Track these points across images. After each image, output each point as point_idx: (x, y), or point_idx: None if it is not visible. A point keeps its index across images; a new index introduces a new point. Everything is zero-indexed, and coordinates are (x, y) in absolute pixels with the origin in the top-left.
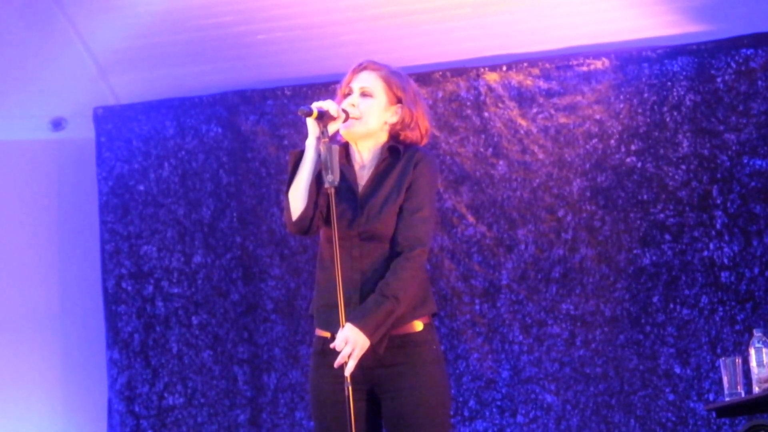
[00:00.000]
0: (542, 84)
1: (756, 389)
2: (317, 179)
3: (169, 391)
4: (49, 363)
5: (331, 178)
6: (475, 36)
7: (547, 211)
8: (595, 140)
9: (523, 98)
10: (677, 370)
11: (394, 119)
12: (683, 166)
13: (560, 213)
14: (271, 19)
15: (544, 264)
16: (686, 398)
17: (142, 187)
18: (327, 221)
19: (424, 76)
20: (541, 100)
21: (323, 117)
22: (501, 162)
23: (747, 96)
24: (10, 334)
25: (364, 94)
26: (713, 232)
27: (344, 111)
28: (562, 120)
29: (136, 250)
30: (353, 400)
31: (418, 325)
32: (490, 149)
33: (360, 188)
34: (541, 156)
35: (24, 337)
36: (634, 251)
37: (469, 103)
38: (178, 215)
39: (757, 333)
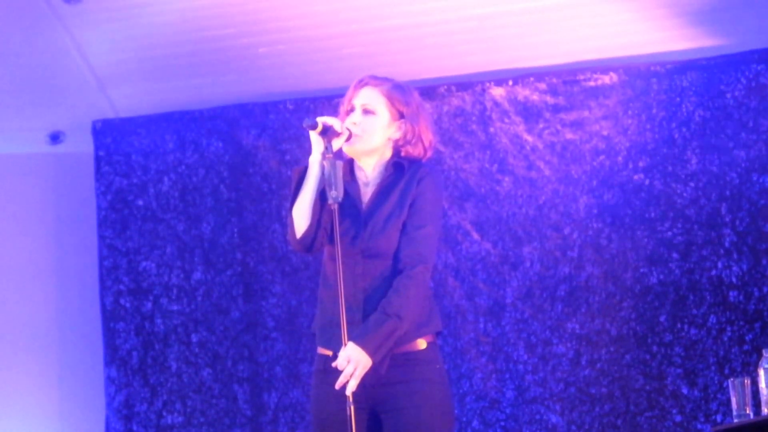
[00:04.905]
0: (549, 99)
1: (765, 411)
2: (321, 196)
3: (168, 409)
4: (46, 380)
5: (335, 194)
6: (481, 50)
7: (553, 229)
8: (602, 157)
9: (529, 113)
10: (684, 390)
11: (397, 135)
12: (691, 183)
13: (566, 230)
14: (273, 32)
15: (550, 282)
16: (694, 419)
17: (141, 202)
18: (331, 239)
19: (428, 90)
20: (547, 115)
21: (327, 132)
22: (506, 178)
23: (757, 112)
24: (6, 351)
25: (366, 111)
26: (722, 251)
27: (347, 129)
28: (569, 136)
29: (135, 266)
30: (355, 419)
31: (422, 344)
32: (496, 165)
33: (364, 205)
34: (547, 172)
35: (20, 354)
36: (641, 270)
37: (474, 118)
38: (177, 231)
39: (766, 353)
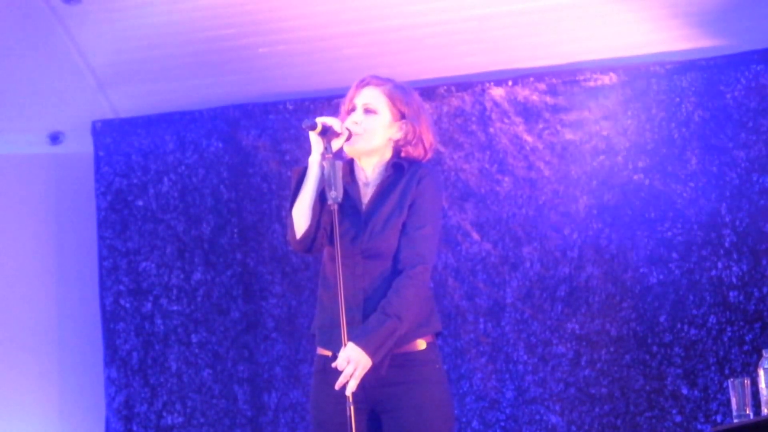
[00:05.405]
0: (549, 99)
1: (765, 411)
2: (320, 196)
3: (168, 410)
4: (46, 381)
5: (335, 195)
6: (481, 50)
7: (553, 229)
8: (602, 157)
9: (529, 114)
10: (684, 391)
11: (398, 135)
12: (691, 184)
13: (566, 231)
14: (273, 33)
15: (550, 282)
16: (693, 420)
17: (140, 203)
18: (331, 239)
19: (428, 91)
20: (547, 115)
21: (327, 132)
22: (506, 178)
23: (756, 112)
24: (6, 351)
25: (367, 111)
26: (721, 251)
27: (347, 129)
28: (569, 136)
29: (135, 266)
30: (355, 419)
31: (421, 344)
32: (496, 165)
33: (364, 206)
34: (547, 173)
35: (20, 355)
36: (641, 270)
37: (474, 119)
38: (177, 231)
39: (766, 354)
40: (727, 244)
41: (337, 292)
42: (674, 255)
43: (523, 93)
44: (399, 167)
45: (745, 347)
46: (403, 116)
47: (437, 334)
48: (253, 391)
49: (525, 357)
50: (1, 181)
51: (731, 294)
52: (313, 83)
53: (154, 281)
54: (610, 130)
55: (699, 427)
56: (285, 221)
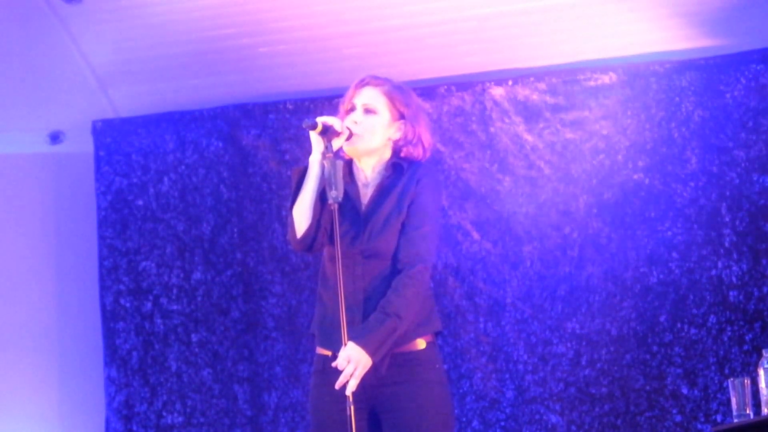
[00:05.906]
0: (549, 99)
1: (765, 411)
2: (321, 196)
3: (168, 409)
4: (46, 380)
5: (335, 194)
6: (481, 50)
7: (553, 228)
8: (602, 156)
9: (529, 113)
10: (684, 390)
11: (397, 135)
12: (691, 183)
13: (566, 230)
14: (273, 32)
15: (550, 282)
16: (694, 419)
17: (141, 202)
18: (331, 239)
19: (428, 91)
20: (547, 115)
21: (327, 132)
22: (507, 178)
23: (757, 112)
24: (6, 351)
25: (367, 111)
26: (722, 251)
27: (347, 128)
28: (569, 135)
29: (135, 266)
30: (355, 419)
31: (421, 344)
32: (496, 165)
33: (363, 206)
34: (547, 172)
35: (20, 355)
36: (641, 269)
37: (474, 118)
38: (177, 231)
39: (766, 353)
40: (727, 244)
41: (337, 291)
42: (674, 254)
43: (523, 92)
44: (398, 167)
45: (745, 347)
46: (402, 116)
47: (437, 334)
48: (253, 390)
49: (525, 357)
50: (1, 181)
51: (731, 294)
52: (313, 83)
53: (154, 281)
54: (610, 130)
55: (699, 427)
56: (285, 221)
